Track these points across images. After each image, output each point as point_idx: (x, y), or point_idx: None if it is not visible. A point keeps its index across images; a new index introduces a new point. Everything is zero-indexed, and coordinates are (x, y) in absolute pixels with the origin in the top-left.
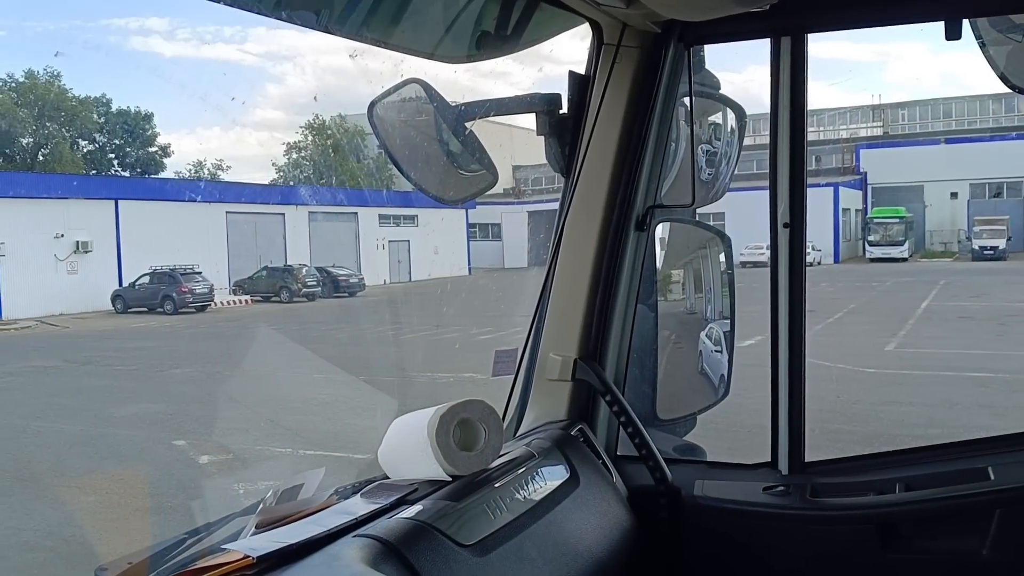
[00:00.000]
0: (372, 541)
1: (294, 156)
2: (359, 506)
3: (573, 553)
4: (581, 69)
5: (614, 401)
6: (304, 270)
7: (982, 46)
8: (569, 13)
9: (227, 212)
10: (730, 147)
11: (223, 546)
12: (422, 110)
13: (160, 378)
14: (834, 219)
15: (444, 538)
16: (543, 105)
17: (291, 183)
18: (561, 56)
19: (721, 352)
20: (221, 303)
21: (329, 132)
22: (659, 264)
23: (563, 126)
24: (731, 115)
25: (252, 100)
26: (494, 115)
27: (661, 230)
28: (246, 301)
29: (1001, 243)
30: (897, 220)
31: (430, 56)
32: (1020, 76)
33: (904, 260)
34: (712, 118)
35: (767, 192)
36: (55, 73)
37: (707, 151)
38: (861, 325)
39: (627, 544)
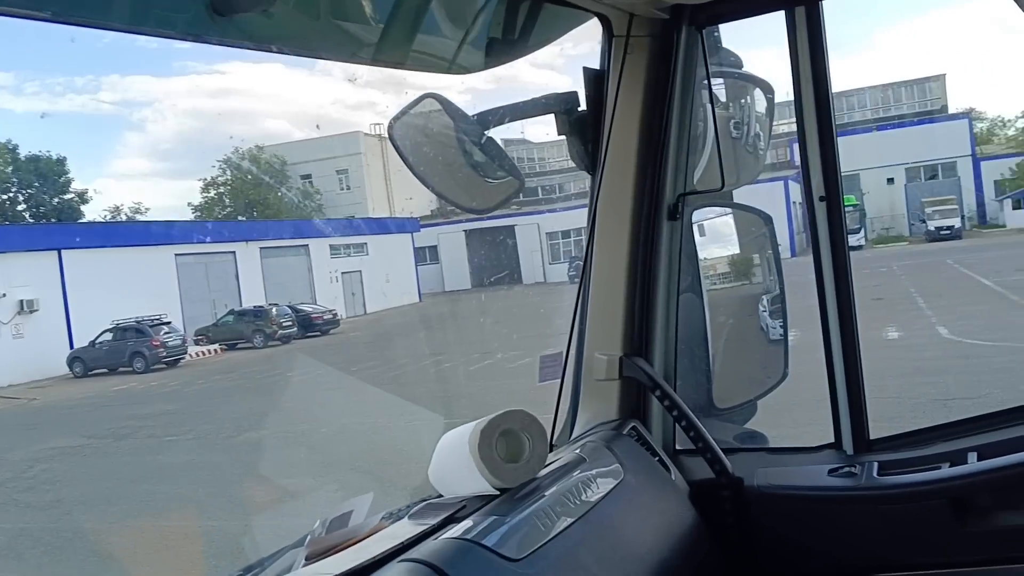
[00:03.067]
0: (418, 565)
1: (211, 193)
2: (406, 529)
3: (633, 556)
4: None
5: (664, 395)
6: (275, 310)
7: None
8: (575, 10)
9: (176, 255)
10: (761, 125)
11: None
12: (441, 123)
13: (236, 444)
14: (787, 213)
15: (492, 554)
16: (561, 105)
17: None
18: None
19: (779, 332)
20: (191, 355)
21: (247, 166)
22: (699, 251)
23: (583, 123)
24: (758, 92)
25: (111, 150)
26: (511, 120)
27: (697, 217)
28: (216, 351)
29: (956, 222)
30: (851, 208)
31: (446, 70)
32: None
33: (860, 248)
34: (738, 98)
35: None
36: None
37: (737, 132)
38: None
39: (691, 541)
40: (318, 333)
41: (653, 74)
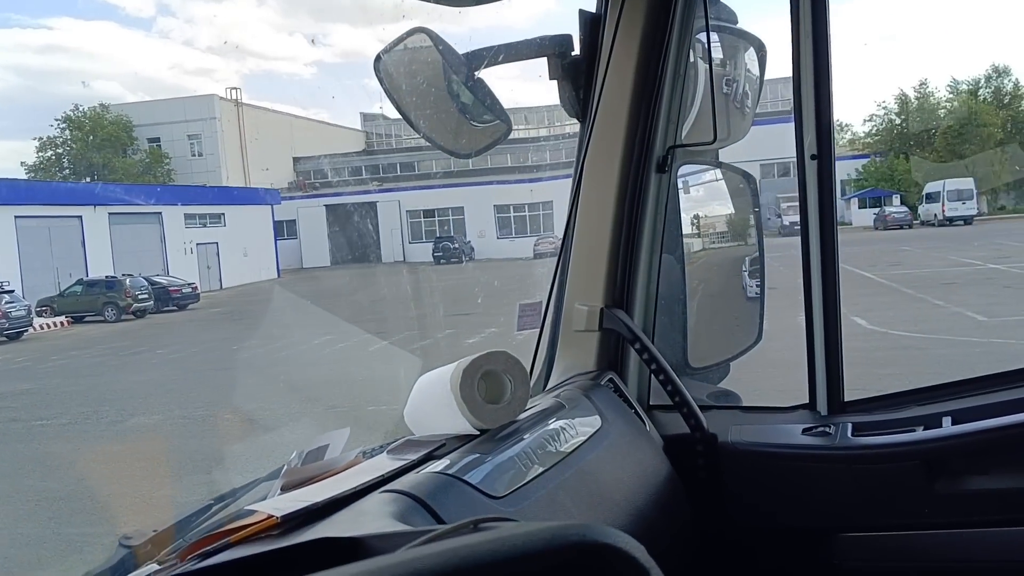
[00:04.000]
0: (399, 496)
1: (48, 154)
2: (386, 463)
3: (609, 502)
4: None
5: (643, 349)
6: (129, 281)
7: None
8: None
9: (16, 217)
10: (751, 81)
11: (248, 507)
12: (429, 60)
13: (127, 430)
14: None
15: (474, 490)
16: (554, 48)
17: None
18: None
19: (757, 292)
20: (35, 328)
21: (88, 126)
22: (683, 208)
23: (576, 69)
24: (751, 48)
25: None
26: (504, 60)
27: (683, 172)
28: (62, 323)
29: None
30: None
31: (439, 1)
32: None
33: None
34: (731, 54)
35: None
36: None
37: (728, 87)
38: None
39: (664, 492)
40: (175, 308)
41: (652, 22)
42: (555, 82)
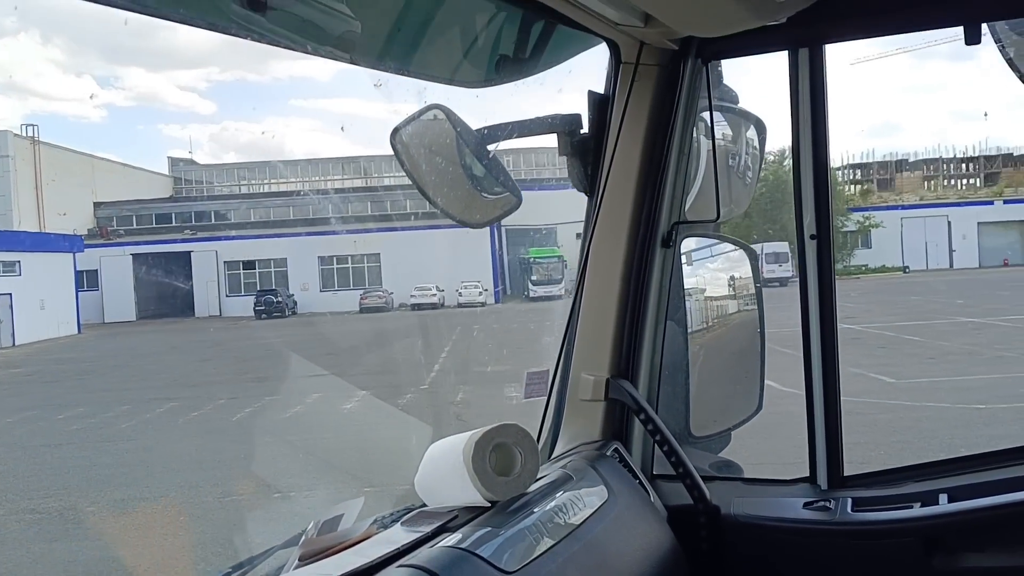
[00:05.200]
0: (416, 571)
1: None
2: (400, 535)
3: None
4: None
5: (648, 420)
6: None
7: (1001, 48)
8: (586, 33)
9: None
10: (752, 159)
11: None
12: (445, 135)
13: None
14: (492, 260)
15: (487, 565)
16: (564, 126)
17: None
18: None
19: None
20: None
21: None
22: (686, 280)
23: (584, 146)
24: (751, 128)
25: None
26: (516, 137)
27: (687, 246)
28: None
29: None
30: (556, 259)
31: (449, 81)
32: None
33: (560, 297)
34: (732, 131)
35: (426, 231)
36: None
37: (729, 165)
38: None
39: (668, 564)
40: None
41: (658, 102)
42: (564, 158)
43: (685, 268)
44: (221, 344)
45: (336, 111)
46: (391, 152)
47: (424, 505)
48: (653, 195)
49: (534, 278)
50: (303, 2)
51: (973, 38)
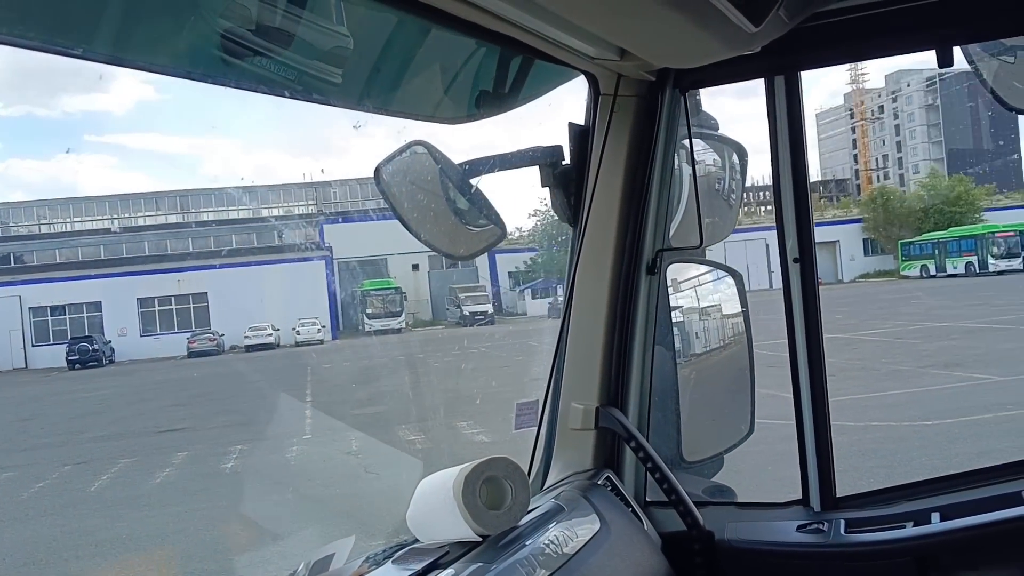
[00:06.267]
0: None
1: None
2: (392, 573)
3: None
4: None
5: (639, 447)
6: None
7: (975, 70)
8: (565, 67)
9: None
10: (734, 185)
11: None
12: (428, 170)
13: None
14: (328, 292)
15: None
16: (546, 158)
17: None
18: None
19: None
20: None
21: None
22: (673, 305)
23: (566, 177)
24: (732, 153)
25: None
26: (498, 170)
27: (672, 271)
28: None
29: (489, 308)
30: (392, 291)
31: (430, 119)
32: (1013, 96)
33: (399, 331)
34: (714, 157)
35: (256, 267)
36: None
37: (716, 189)
38: None
39: None
40: None
41: (637, 133)
42: (547, 189)
43: (672, 294)
44: (40, 399)
45: (135, 146)
46: (209, 186)
47: (416, 541)
48: (636, 223)
49: (369, 311)
50: (283, 49)
51: (945, 61)
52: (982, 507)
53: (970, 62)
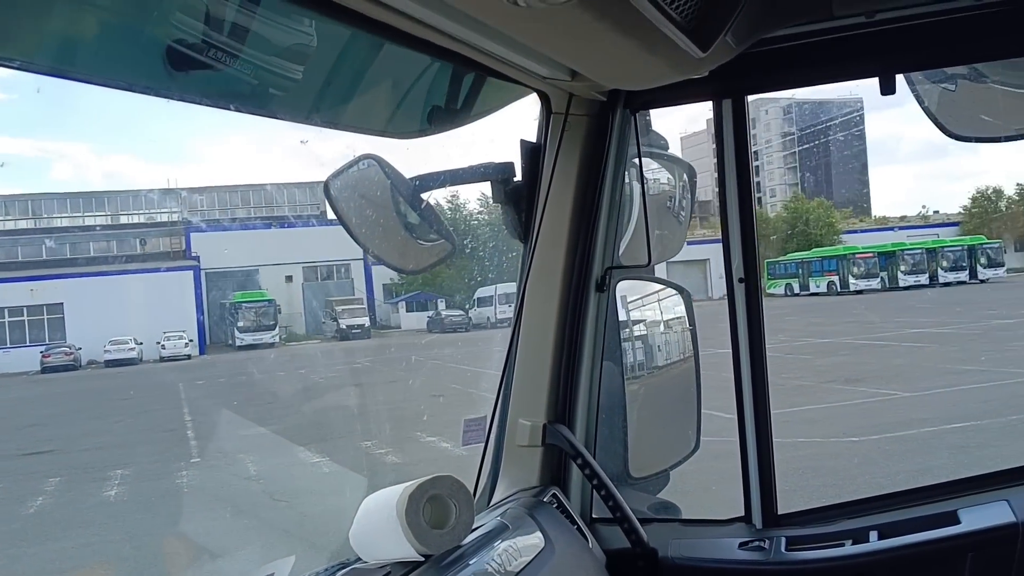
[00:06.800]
0: None
1: None
2: None
3: None
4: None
5: (585, 464)
6: None
7: (917, 97)
8: (517, 85)
9: None
10: (683, 203)
11: None
12: (378, 185)
13: None
14: (197, 305)
15: None
16: (497, 174)
17: None
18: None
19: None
20: None
21: None
22: (621, 322)
23: (518, 194)
24: (681, 173)
25: None
26: (449, 185)
27: (621, 288)
28: None
29: (365, 321)
30: (266, 303)
31: (381, 133)
32: (954, 123)
33: (272, 345)
34: (662, 177)
35: (118, 276)
36: None
37: (668, 207)
38: None
39: None
40: None
41: (588, 151)
42: (498, 205)
43: (620, 311)
44: None
45: None
46: (64, 190)
47: (359, 559)
48: (586, 241)
49: (241, 324)
50: (228, 60)
51: (888, 88)
52: (919, 526)
53: (912, 90)
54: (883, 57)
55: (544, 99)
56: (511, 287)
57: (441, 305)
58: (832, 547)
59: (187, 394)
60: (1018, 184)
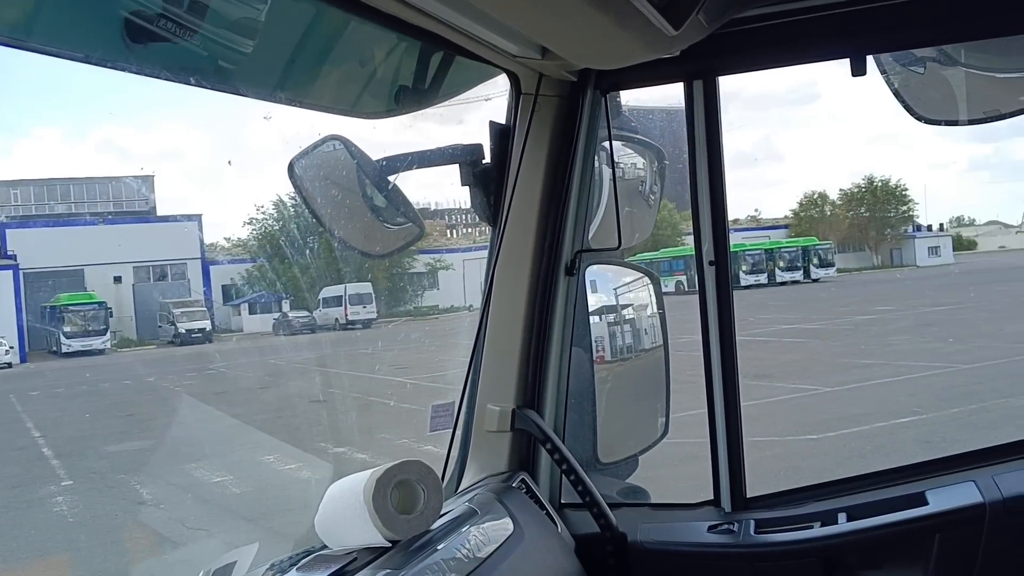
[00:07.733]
0: None
1: None
2: None
3: None
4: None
5: (554, 449)
6: None
7: (887, 80)
8: (486, 65)
9: None
10: (653, 187)
11: None
12: (343, 166)
13: None
14: (16, 306)
15: None
16: (465, 156)
17: None
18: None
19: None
20: None
21: None
22: (591, 307)
23: (487, 176)
24: (651, 156)
25: None
26: (416, 168)
27: (590, 273)
28: None
29: (207, 325)
30: (95, 306)
31: (347, 113)
32: (923, 106)
33: (103, 351)
34: (632, 160)
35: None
36: None
37: (639, 191)
38: None
39: None
40: None
41: (559, 133)
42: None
43: (590, 295)
44: None
45: None
46: None
47: (324, 547)
48: (556, 224)
49: (67, 329)
50: (187, 33)
51: (859, 70)
52: (887, 507)
53: (882, 72)
54: (855, 39)
55: (514, 79)
56: (363, 287)
57: (286, 306)
58: (801, 529)
59: (24, 407)
60: (841, 190)
